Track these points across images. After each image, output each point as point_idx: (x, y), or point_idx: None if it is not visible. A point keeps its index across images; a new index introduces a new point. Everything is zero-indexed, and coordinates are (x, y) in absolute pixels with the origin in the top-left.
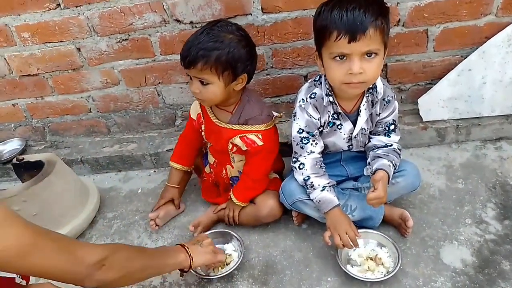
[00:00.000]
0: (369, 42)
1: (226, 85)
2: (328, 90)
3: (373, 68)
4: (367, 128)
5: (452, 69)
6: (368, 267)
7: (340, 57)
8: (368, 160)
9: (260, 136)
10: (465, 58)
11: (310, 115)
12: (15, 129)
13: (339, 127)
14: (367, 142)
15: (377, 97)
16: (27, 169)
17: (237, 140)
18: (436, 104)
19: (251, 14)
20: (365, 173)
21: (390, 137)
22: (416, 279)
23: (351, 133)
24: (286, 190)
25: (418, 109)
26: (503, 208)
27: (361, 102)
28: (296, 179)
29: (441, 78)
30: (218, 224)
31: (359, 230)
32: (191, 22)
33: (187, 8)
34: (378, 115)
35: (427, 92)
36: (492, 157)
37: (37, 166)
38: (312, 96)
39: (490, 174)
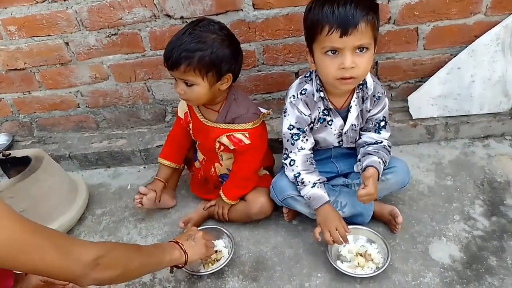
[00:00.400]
0: (360, 36)
1: (211, 85)
2: (318, 86)
3: (365, 63)
4: (358, 124)
5: (442, 67)
6: (358, 263)
7: (332, 52)
8: (359, 157)
9: (247, 135)
10: (454, 57)
11: (301, 112)
12: (1, 124)
13: (329, 123)
14: (357, 138)
15: (367, 93)
16: (14, 165)
17: (224, 139)
18: (425, 101)
19: (242, 10)
20: (355, 169)
21: (380, 133)
22: (405, 275)
23: (342, 129)
24: (277, 186)
25: (408, 107)
26: (490, 204)
27: (351, 98)
28: (286, 176)
29: (431, 76)
30: (209, 220)
31: (349, 227)
32: (181, 17)
33: (178, 3)
34: (369, 111)
35: (417, 90)
36: (480, 155)
37: (24, 162)
38: (303, 92)
39: (478, 171)
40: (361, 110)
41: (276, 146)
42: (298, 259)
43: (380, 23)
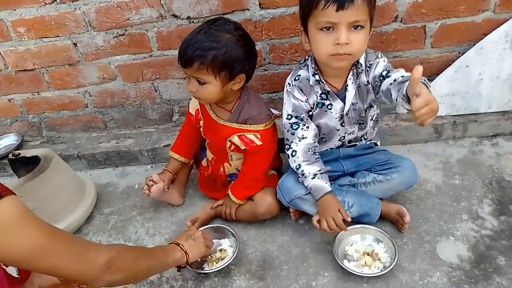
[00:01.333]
0: (357, 11)
1: (223, 85)
2: (313, 70)
3: (360, 40)
4: (358, 103)
5: (450, 65)
6: (365, 262)
7: (327, 28)
8: (395, 95)
9: (259, 136)
10: (462, 55)
11: (297, 98)
12: (11, 125)
13: (329, 107)
14: (359, 120)
15: (361, 68)
16: (23, 165)
17: (235, 139)
18: None
19: (248, 10)
20: (397, 99)
21: (394, 74)
22: (413, 274)
23: (343, 111)
24: (283, 187)
25: None
26: (499, 204)
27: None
28: (293, 176)
29: (438, 74)
30: (215, 219)
31: (356, 226)
32: (188, 18)
33: (184, 3)
34: (367, 84)
35: None
36: (489, 153)
37: (34, 162)
38: (296, 78)
39: (487, 170)
40: (359, 87)
41: (283, 146)
42: (305, 258)
43: (387, 22)
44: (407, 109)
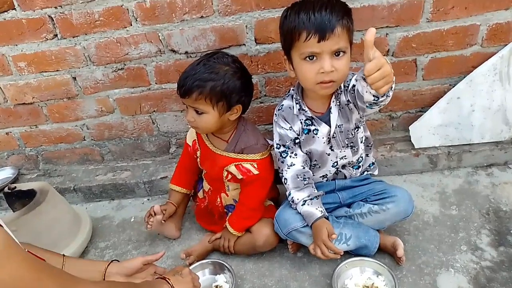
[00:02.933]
0: (337, 39)
1: (220, 115)
2: (296, 99)
3: (343, 65)
4: (343, 124)
5: (441, 97)
6: None
7: (310, 58)
8: (356, 84)
9: (256, 165)
10: (453, 87)
11: (282, 127)
12: (7, 158)
13: (315, 132)
14: (349, 142)
15: (340, 90)
16: (19, 198)
17: (232, 168)
18: (427, 131)
19: (244, 45)
20: (358, 82)
21: None
22: None
23: (329, 134)
24: (280, 219)
25: (410, 136)
26: (497, 234)
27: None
28: (290, 208)
29: (431, 106)
30: (212, 253)
31: (355, 258)
32: (186, 52)
33: (182, 39)
34: (348, 103)
35: (418, 120)
36: (484, 183)
37: (29, 195)
38: (280, 108)
39: (483, 200)
40: (342, 108)
41: (279, 177)
42: None
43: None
44: (366, 88)
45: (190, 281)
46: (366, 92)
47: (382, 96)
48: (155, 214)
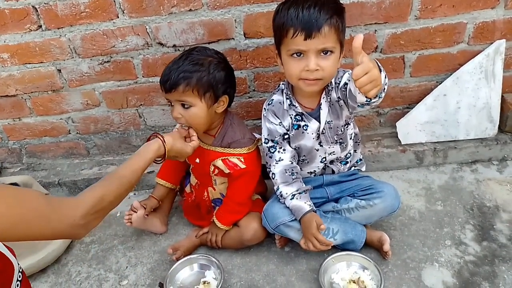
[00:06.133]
0: (324, 39)
1: (208, 107)
2: (286, 94)
3: (329, 65)
4: (333, 120)
5: (428, 94)
6: None
7: (297, 54)
8: (349, 84)
9: (242, 159)
10: (440, 84)
11: (271, 122)
12: None
13: (304, 128)
14: (337, 138)
15: (331, 86)
16: None
17: (219, 163)
18: (413, 127)
19: (233, 39)
20: (350, 83)
21: None
22: None
23: (319, 130)
24: (268, 214)
25: (397, 132)
26: (481, 229)
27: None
28: (278, 202)
29: (418, 103)
30: (200, 247)
31: (342, 253)
32: (174, 46)
33: (170, 32)
34: (338, 100)
35: (404, 116)
36: (469, 180)
37: None
38: (270, 103)
39: (468, 196)
40: (332, 104)
41: (267, 172)
42: (291, 286)
43: (367, 52)
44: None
45: (181, 138)
46: (359, 93)
47: (374, 98)
48: (135, 210)
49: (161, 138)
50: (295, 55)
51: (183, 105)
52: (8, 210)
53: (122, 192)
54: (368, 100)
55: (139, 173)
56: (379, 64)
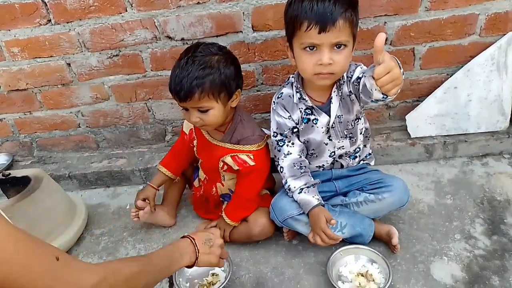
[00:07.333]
0: (338, 33)
1: (224, 105)
2: (296, 88)
3: (342, 59)
4: (343, 115)
5: (439, 86)
6: (359, 283)
7: (310, 48)
8: (367, 83)
9: (252, 156)
10: (450, 76)
11: (280, 116)
12: (1, 144)
13: (314, 121)
14: (347, 132)
15: (342, 80)
16: (13, 185)
17: (228, 159)
18: (423, 120)
19: (241, 32)
20: (366, 79)
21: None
22: None
23: (328, 124)
24: (276, 207)
25: (406, 126)
26: (491, 223)
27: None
28: (286, 195)
29: (428, 96)
30: None
31: (350, 246)
32: (182, 39)
33: (179, 25)
34: (350, 94)
35: (414, 109)
36: (479, 173)
37: (24, 182)
38: (279, 96)
39: (478, 190)
40: (343, 98)
41: (275, 166)
42: (299, 279)
43: None
44: (376, 87)
45: (217, 255)
46: (376, 90)
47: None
48: (141, 208)
49: (196, 258)
50: (308, 48)
51: (200, 110)
52: (18, 255)
53: (145, 276)
54: (385, 96)
55: (165, 271)
56: (399, 62)
